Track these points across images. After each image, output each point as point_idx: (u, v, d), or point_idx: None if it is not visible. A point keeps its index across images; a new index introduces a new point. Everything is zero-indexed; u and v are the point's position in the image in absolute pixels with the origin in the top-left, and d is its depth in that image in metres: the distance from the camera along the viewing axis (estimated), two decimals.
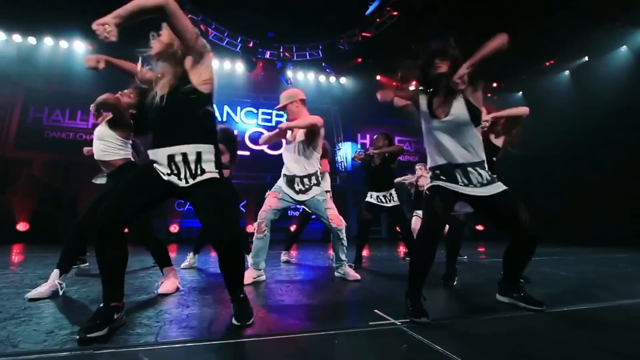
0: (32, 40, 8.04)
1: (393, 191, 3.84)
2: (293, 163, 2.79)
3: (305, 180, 2.75)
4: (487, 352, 1.27)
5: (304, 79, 10.15)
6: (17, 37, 7.93)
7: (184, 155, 1.49)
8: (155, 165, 1.54)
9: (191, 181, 1.51)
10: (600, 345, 1.33)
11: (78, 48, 8.31)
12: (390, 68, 9.89)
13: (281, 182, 2.83)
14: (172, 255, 4.24)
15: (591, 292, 2.29)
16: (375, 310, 1.76)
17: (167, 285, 2.21)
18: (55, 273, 2.11)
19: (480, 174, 1.80)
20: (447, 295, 2.30)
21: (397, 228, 4.24)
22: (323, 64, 9.81)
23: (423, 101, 1.90)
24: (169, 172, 1.51)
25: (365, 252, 5.64)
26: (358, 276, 2.78)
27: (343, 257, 2.86)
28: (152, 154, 1.55)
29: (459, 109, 1.78)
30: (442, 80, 1.77)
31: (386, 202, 3.77)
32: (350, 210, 9.49)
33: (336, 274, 2.90)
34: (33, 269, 3.18)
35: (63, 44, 8.23)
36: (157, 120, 1.54)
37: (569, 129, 8.48)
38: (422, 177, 4.55)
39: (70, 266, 2.22)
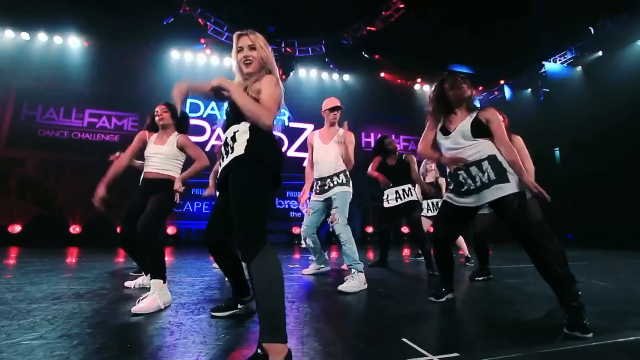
0: (25, 35, 7.76)
1: (411, 186, 3.61)
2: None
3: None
4: None
5: (306, 76, 9.82)
6: (9, 33, 7.66)
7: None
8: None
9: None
10: None
11: (73, 44, 8.04)
12: (396, 64, 9.57)
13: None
14: (168, 259, 3.86)
15: None
16: (404, 340, 1.41)
17: (146, 302, 1.83)
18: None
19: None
20: (487, 319, 1.95)
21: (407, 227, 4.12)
22: (326, 60, 9.47)
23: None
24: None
25: (370, 256, 5.30)
26: (349, 289, 2.43)
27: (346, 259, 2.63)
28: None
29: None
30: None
31: (404, 197, 3.55)
32: (355, 211, 9.16)
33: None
34: (7, 280, 2.84)
35: (57, 39, 7.97)
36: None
37: (582, 127, 8.11)
38: (430, 172, 4.57)
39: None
